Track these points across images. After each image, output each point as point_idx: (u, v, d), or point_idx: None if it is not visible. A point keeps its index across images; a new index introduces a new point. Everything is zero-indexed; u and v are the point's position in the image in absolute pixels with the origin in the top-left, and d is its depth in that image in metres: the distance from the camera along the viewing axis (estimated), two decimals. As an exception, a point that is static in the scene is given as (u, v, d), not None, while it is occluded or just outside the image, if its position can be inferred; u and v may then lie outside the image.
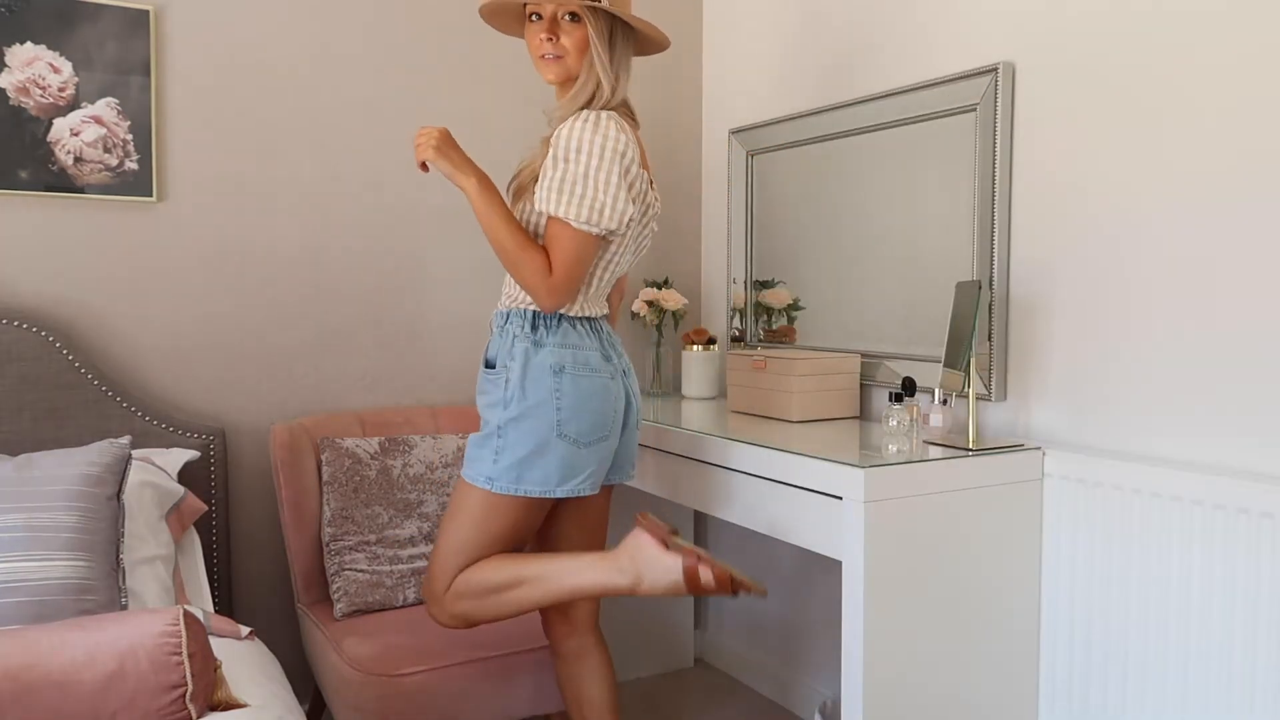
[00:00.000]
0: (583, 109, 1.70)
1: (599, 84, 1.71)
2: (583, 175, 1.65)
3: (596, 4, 1.69)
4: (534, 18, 1.73)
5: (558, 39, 1.70)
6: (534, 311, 1.74)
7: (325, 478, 2.29)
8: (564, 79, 1.74)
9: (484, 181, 1.71)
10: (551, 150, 1.68)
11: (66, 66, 2.20)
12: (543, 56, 1.72)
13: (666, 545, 1.66)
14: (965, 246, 2.12)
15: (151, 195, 2.30)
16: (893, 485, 1.76)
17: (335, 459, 2.30)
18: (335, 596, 2.18)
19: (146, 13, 2.27)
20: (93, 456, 1.89)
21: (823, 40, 2.54)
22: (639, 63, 3.04)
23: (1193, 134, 1.74)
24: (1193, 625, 1.69)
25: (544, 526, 1.89)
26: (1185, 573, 1.70)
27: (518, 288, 1.75)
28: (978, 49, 2.11)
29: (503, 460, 1.71)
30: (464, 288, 2.68)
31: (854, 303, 2.44)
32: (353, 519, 2.27)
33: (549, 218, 1.68)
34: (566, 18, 1.70)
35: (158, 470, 2.11)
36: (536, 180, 1.71)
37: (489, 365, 1.76)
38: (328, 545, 2.25)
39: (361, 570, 2.22)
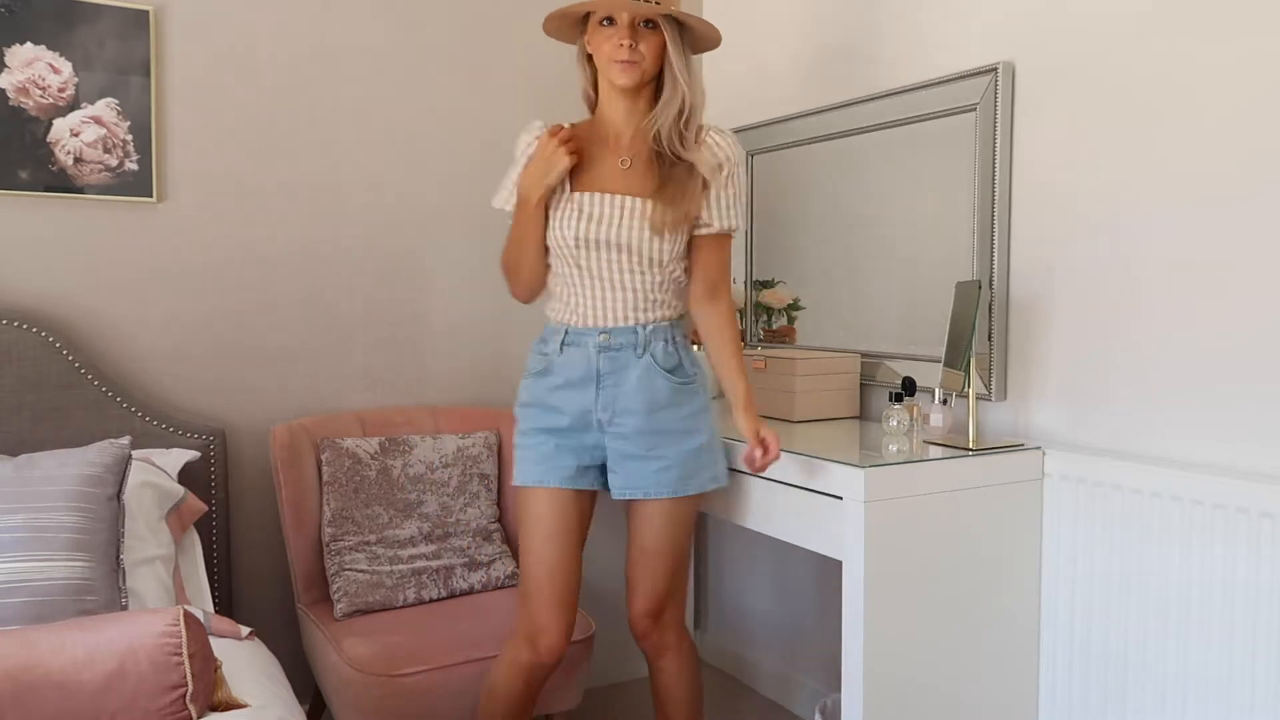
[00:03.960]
0: (686, 119, 1.80)
1: (685, 94, 1.79)
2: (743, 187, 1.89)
3: (671, 10, 1.76)
4: (605, 22, 1.78)
5: (636, 45, 1.75)
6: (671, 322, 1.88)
7: (325, 478, 2.29)
8: (640, 84, 1.79)
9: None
10: (721, 167, 1.82)
11: (66, 67, 2.20)
12: (620, 61, 1.76)
13: None
14: (965, 246, 2.12)
15: (151, 195, 2.30)
16: (893, 485, 1.76)
17: (335, 459, 2.30)
18: (335, 597, 2.18)
19: (146, 13, 2.27)
20: (93, 456, 1.89)
21: (823, 40, 2.54)
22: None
23: (1193, 134, 1.74)
24: (1192, 625, 1.69)
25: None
26: (1185, 572, 1.70)
27: (662, 301, 1.84)
28: (978, 49, 2.11)
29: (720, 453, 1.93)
30: (464, 288, 2.68)
31: (854, 303, 2.44)
32: (353, 519, 2.27)
33: (725, 233, 1.87)
34: (642, 24, 1.76)
35: (158, 470, 2.11)
36: (691, 196, 1.80)
37: (672, 372, 1.84)
38: (328, 545, 2.25)
39: (361, 570, 2.22)
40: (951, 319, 1.97)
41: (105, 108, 2.24)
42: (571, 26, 1.86)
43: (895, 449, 1.90)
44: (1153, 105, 1.80)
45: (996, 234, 2.05)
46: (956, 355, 1.92)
